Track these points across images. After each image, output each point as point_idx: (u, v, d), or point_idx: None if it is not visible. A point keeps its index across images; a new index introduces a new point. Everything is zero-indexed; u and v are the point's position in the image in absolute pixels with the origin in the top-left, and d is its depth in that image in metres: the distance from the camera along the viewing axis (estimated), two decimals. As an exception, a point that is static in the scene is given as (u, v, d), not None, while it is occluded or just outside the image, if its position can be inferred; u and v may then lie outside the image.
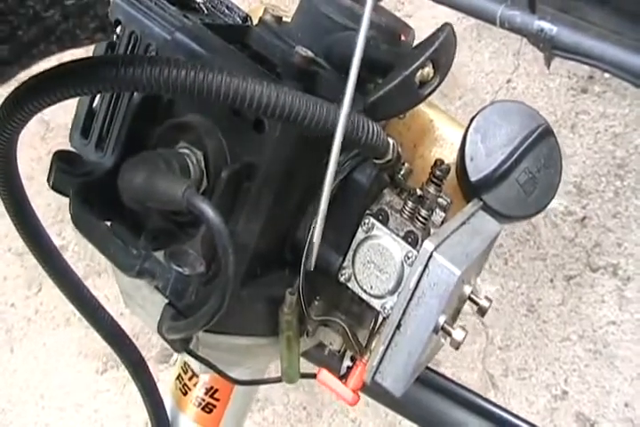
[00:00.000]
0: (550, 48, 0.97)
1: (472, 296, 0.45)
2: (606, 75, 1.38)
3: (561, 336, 1.27)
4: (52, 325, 1.44)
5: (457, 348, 0.41)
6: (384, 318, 0.43)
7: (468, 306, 1.33)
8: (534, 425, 0.58)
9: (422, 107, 0.54)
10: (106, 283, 1.38)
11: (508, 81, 1.42)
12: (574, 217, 1.31)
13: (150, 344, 1.36)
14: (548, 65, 0.98)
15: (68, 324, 1.44)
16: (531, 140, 0.48)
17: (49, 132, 1.56)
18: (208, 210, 0.36)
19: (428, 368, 0.63)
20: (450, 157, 0.53)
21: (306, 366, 0.54)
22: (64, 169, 0.42)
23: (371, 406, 1.27)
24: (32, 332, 1.45)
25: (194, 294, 0.41)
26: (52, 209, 1.46)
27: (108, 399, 1.37)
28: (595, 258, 1.29)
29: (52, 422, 1.39)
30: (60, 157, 0.42)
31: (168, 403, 0.57)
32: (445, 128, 0.54)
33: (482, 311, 0.45)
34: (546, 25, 0.95)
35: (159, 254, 0.41)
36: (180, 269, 0.38)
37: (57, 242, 1.49)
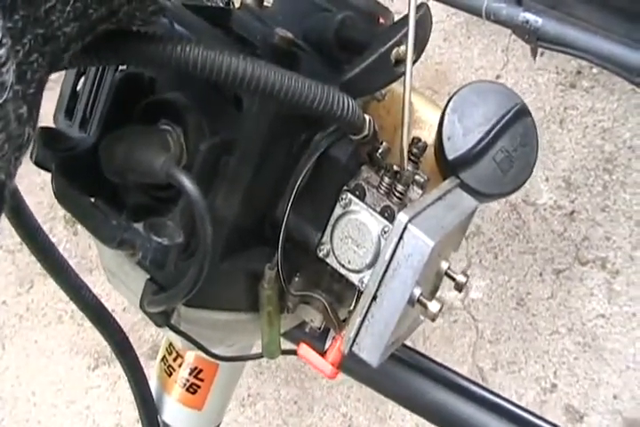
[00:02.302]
0: (536, 40, 0.98)
1: (449, 272, 0.45)
2: (594, 70, 1.39)
3: (550, 329, 1.27)
4: (44, 322, 1.45)
5: (433, 320, 0.42)
6: (361, 292, 0.43)
7: (459, 301, 1.33)
8: (514, 403, 0.59)
9: (402, 89, 0.55)
10: (97, 280, 1.39)
11: (498, 77, 1.44)
12: (563, 211, 1.32)
13: (141, 341, 1.37)
14: (534, 57, 0.99)
15: (60, 321, 1.44)
16: (507, 119, 0.49)
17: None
18: (185, 180, 0.37)
19: (418, 353, 0.63)
20: (429, 139, 0.53)
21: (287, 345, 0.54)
22: (47, 144, 0.42)
23: (362, 401, 1.27)
24: (23, 329, 1.45)
25: (173, 264, 0.41)
26: (43, 207, 1.46)
27: (99, 396, 1.38)
28: (584, 252, 1.30)
29: (44, 419, 1.39)
30: (44, 133, 0.43)
31: (153, 385, 0.58)
32: (425, 110, 0.55)
33: (459, 287, 0.45)
34: (531, 17, 0.96)
35: (140, 227, 0.41)
36: (159, 240, 0.38)
37: (49, 239, 1.49)
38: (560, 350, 1.26)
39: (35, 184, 1.44)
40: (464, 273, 0.46)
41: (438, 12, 1.37)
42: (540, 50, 1.18)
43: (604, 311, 1.26)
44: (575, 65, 1.38)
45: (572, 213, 1.31)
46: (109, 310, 0.52)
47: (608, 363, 1.23)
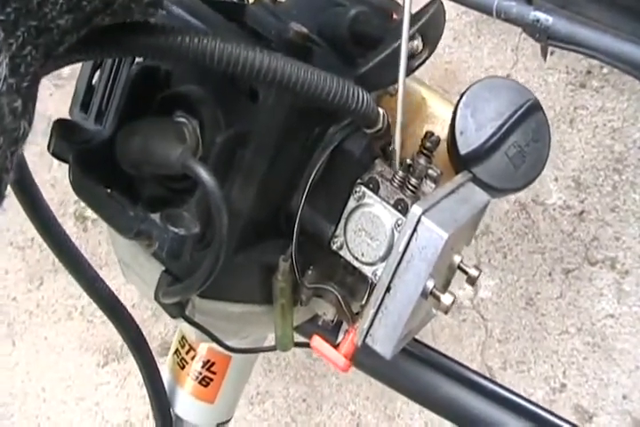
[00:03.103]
0: (546, 38, 0.98)
1: (461, 265, 0.46)
2: (604, 70, 1.39)
3: (559, 329, 1.27)
4: (54, 318, 1.45)
5: (446, 312, 0.42)
6: (374, 285, 0.44)
7: (468, 300, 1.33)
8: (525, 398, 0.59)
9: (414, 85, 0.55)
10: (107, 276, 1.39)
11: (507, 76, 1.43)
12: (573, 211, 1.32)
13: (151, 337, 1.37)
14: (545, 56, 0.99)
15: (70, 317, 1.45)
16: (519, 114, 0.49)
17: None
18: (202, 171, 0.37)
19: (429, 347, 0.64)
20: (442, 134, 0.54)
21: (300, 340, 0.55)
22: (64, 136, 0.43)
23: (370, 399, 1.28)
24: (33, 325, 1.46)
25: (189, 255, 0.42)
26: (53, 204, 1.47)
27: (108, 392, 1.38)
28: (593, 252, 1.30)
29: (54, 415, 1.40)
30: (61, 125, 0.43)
31: (166, 377, 0.58)
32: (437, 106, 0.55)
33: (471, 280, 0.46)
34: (542, 15, 0.96)
35: (156, 217, 0.42)
36: (175, 230, 0.39)
37: (59, 237, 1.50)
38: (569, 349, 1.25)
39: (45, 181, 1.45)
40: (476, 267, 0.46)
41: (448, 10, 1.36)
42: (550, 49, 1.18)
43: (613, 311, 1.26)
44: (585, 65, 1.38)
45: (582, 213, 1.31)
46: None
47: (617, 363, 1.22)
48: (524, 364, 1.27)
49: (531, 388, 1.25)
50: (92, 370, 1.39)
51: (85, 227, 1.49)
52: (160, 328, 1.37)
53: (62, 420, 1.39)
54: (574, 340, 1.26)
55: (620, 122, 1.34)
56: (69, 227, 1.48)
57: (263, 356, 1.30)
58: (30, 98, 0.28)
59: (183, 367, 0.57)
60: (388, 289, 0.41)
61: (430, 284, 0.41)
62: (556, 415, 0.58)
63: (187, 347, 0.57)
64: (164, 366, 0.60)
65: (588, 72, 1.37)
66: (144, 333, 0.53)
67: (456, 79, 1.46)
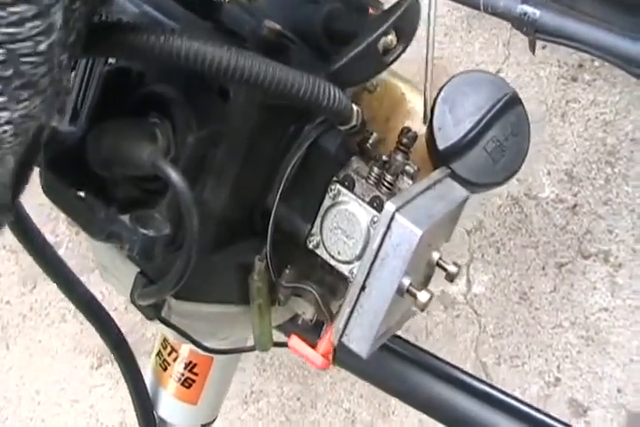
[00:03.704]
0: (534, 32, 0.97)
1: (440, 262, 0.45)
2: (596, 63, 1.38)
3: (553, 323, 1.27)
4: (47, 321, 1.45)
5: (422, 310, 0.41)
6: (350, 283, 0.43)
7: (461, 296, 1.33)
8: (513, 397, 0.59)
9: (394, 80, 0.55)
10: (99, 278, 1.39)
11: (499, 71, 1.43)
12: (565, 204, 1.32)
13: (144, 339, 1.37)
14: (533, 50, 0.99)
15: (63, 320, 1.44)
16: (498, 108, 0.49)
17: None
18: (171, 172, 0.36)
19: (414, 346, 0.63)
20: (422, 130, 0.53)
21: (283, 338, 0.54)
22: None
23: (365, 397, 1.27)
24: (27, 328, 1.45)
25: (160, 256, 0.41)
26: (45, 207, 1.46)
27: (103, 394, 1.38)
28: (586, 245, 1.30)
29: (48, 418, 1.39)
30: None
31: (148, 379, 0.58)
32: (417, 101, 0.54)
33: (450, 277, 0.45)
34: (529, 9, 0.95)
35: (127, 219, 0.41)
36: (145, 232, 0.38)
37: (51, 239, 1.49)
38: (563, 343, 1.25)
39: (37, 185, 1.45)
40: (455, 263, 0.45)
41: (439, 6, 1.36)
42: (542, 43, 1.17)
43: (607, 305, 1.25)
44: (577, 58, 1.37)
45: (575, 206, 1.31)
46: (113, 307, 0.52)
47: (611, 356, 1.22)
48: (518, 359, 1.27)
49: (525, 383, 1.25)
50: (86, 372, 1.39)
51: (78, 230, 1.49)
52: (153, 330, 1.37)
53: (57, 422, 1.39)
54: (568, 334, 1.26)
55: (612, 115, 1.34)
56: (62, 231, 1.48)
57: (257, 355, 1.29)
58: (73, 54, 0.30)
59: (165, 369, 0.57)
60: (363, 288, 0.40)
61: (406, 281, 0.41)
62: (549, 415, 0.58)
63: (169, 348, 0.56)
64: (147, 368, 0.59)
65: (580, 65, 1.37)
66: (138, 334, 0.52)
67: (447, 75, 1.45)
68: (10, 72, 0.26)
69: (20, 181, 0.32)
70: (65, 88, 0.30)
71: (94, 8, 0.32)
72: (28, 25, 0.25)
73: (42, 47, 0.26)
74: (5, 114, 0.27)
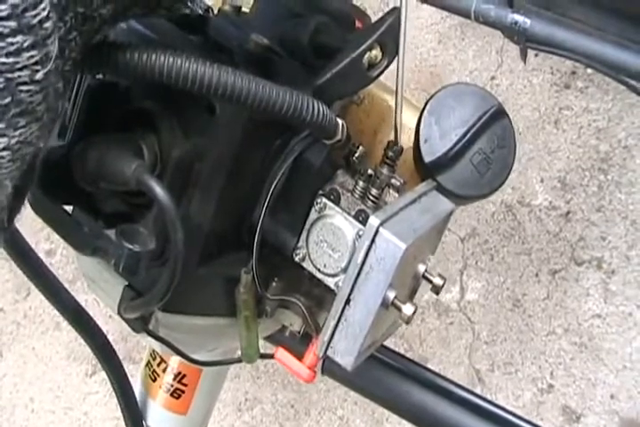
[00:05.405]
0: (524, 41, 0.98)
1: (426, 274, 0.45)
2: (589, 70, 1.39)
3: (546, 330, 1.27)
4: (41, 329, 1.45)
5: (407, 322, 0.42)
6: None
7: (455, 303, 1.33)
8: (497, 405, 0.59)
9: (381, 93, 0.55)
10: (94, 285, 1.39)
11: (492, 78, 1.43)
12: (558, 212, 1.32)
13: (140, 346, 1.37)
14: (524, 58, 0.99)
15: (57, 328, 1.44)
16: (483, 121, 0.49)
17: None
18: (155, 186, 0.37)
19: (401, 355, 0.63)
20: (409, 143, 0.54)
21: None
22: None
23: (358, 404, 1.27)
24: (21, 336, 1.45)
25: (145, 271, 0.41)
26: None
27: (97, 402, 1.38)
28: (579, 252, 1.30)
29: (42, 426, 1.39)
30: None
31: (138, 390, 0.58)
32: (404, 114, 0.55)
33: (436, 289, 0.46)
34: (519, 18, 0.96)
35: (112, 233, 0.42)
36: (130, 246, 0.39)
37: (45, 246, 1.50)
38: (556, 350, 1.25)
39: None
40: (441, 276, 0.46)
41: (433, 14, 1.37)
42: (534, 51, 1.18)
43: (600, 311, 1.26)
44: (570, 65, 1.38)
45: (568, 213, 1.31)
46: (107, 315, 0.52)
47: (605, 363, 1.22)
48: (511, 365, 1.27)
49: (518, 389, 1.25)
50: (81, 380, 1.39)
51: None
52: (148, 337, 1.37)
53: (51, 430, 1.39)
54: (561, 340, 1.26)
55: (604, 122, 1.34)
56: (57, 238, 1.48)
57: (251, 362, 1.29)
58: (68, 83, 0.31)
59: (155, 380, 0.57)
60: (347, 301, 0.41)
61: (391, 294, 0.41)
62: (536, 425, 0.58)
63: (158, 359, 0.57)
64: (137, 379, 0.60)
65: (573, 73, 1.38)
66: (133, 341, 0.52)
67: (441, 82, 1.46)
68: (7, 100, 0.26)
69: (16, 203, 0.33)
70: (58, 117, 0.30)
71: (90, 38, 0.32)
72: (25, 55, 0.26)
73: (38, 76, 0.27)
74: (3, 140, 0.27)
